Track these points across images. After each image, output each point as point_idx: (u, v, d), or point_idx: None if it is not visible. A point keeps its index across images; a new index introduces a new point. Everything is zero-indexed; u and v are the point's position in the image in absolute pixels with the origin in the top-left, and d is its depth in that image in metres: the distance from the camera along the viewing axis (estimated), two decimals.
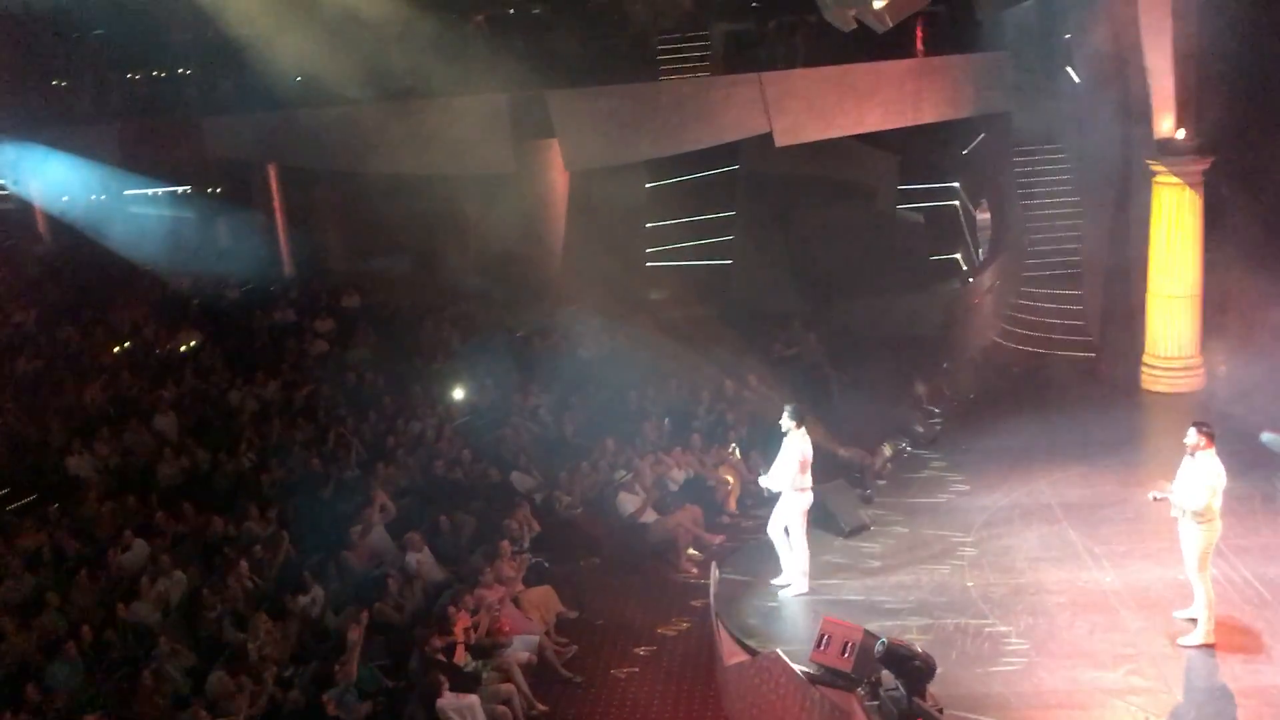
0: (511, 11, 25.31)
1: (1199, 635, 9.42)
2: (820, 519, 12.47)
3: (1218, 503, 9.19)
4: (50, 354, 19.74)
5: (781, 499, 10.95)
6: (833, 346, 19.48)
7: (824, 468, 14.51)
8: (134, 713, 10.51)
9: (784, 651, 9.42)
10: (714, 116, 20.69)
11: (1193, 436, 9.27)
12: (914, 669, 8.37)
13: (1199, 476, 9.17)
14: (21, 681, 10.98)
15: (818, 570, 11.41)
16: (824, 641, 9.05)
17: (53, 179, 23.03)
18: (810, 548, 11.09)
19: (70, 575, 13.01)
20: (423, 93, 21.33)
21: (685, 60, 24.53)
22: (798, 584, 11.02)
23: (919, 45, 23.44)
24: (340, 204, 25.06)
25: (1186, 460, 9.34)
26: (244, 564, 12.91)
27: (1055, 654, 9.50)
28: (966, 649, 9.69)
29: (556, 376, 18.60)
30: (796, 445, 10.82)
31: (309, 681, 10.89)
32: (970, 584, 10.89)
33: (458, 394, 18.06)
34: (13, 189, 26.03)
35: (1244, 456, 9.56)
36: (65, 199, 23.84)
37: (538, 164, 21.84)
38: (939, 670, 8.57)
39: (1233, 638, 9.42)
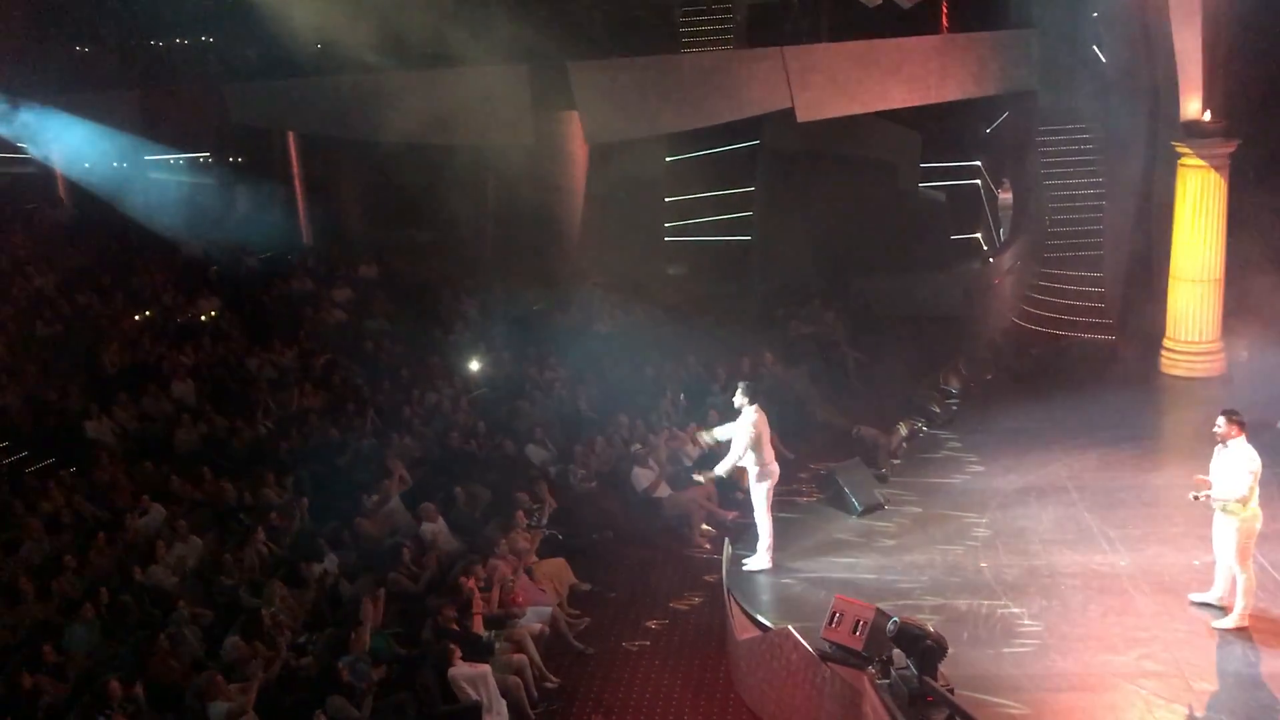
0: None
1: (1233, 619, 9.37)
2: (834, 497, 12.51)
3: (1256, 490, 9.13)
4: (70, 319, 19.82)
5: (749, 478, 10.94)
6: (851, 325, 19.41)
7: (839, 446, 14.64)
8: (150, 675, 10.60)
9: (796, 628, 9.42)
10: (736, 91, 20.57)
11: (1222, 425, 9.19)
12: (925, 649, 8.37)
13: (1238, 464, 9.08)
14: (40, 643, 11.09)
15: (831, 548, 11.43)
16: (836, 619, 9.05)
17: (74, 145, 23.09)
18: (825, 525, 11.07)
19: (88, 539, 13.12)
20: (443, 62, 21.26)
21: (708, 33, 24.39)
22: (761, 559, 11.06)
23: (944, 21, 23.26)
24: (359, 173, 25.06)
25: (1219, 450, 9.27)
26: (260, 531, 13.00)
27: (1068, 637, 9.47)
28: (979, 630, 9.67)
29: (573, 350, 18.60)
30: (750, 423, 10.77)
31: (323, 648, 10.96)
32: (984, 565, 10.87)
33: (474, 366, 18.10)
34: (34, 154, 26.13)
35: (1261, 441, 9.49)
36: (86, 165, 23.89)
37: (558, 136, 21.76)
38: (950, 650, 8.57)
39: (1247, 625, 9.37)
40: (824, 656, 9.05)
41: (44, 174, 26.20)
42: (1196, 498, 9.30)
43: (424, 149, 22.14)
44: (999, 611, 9.95)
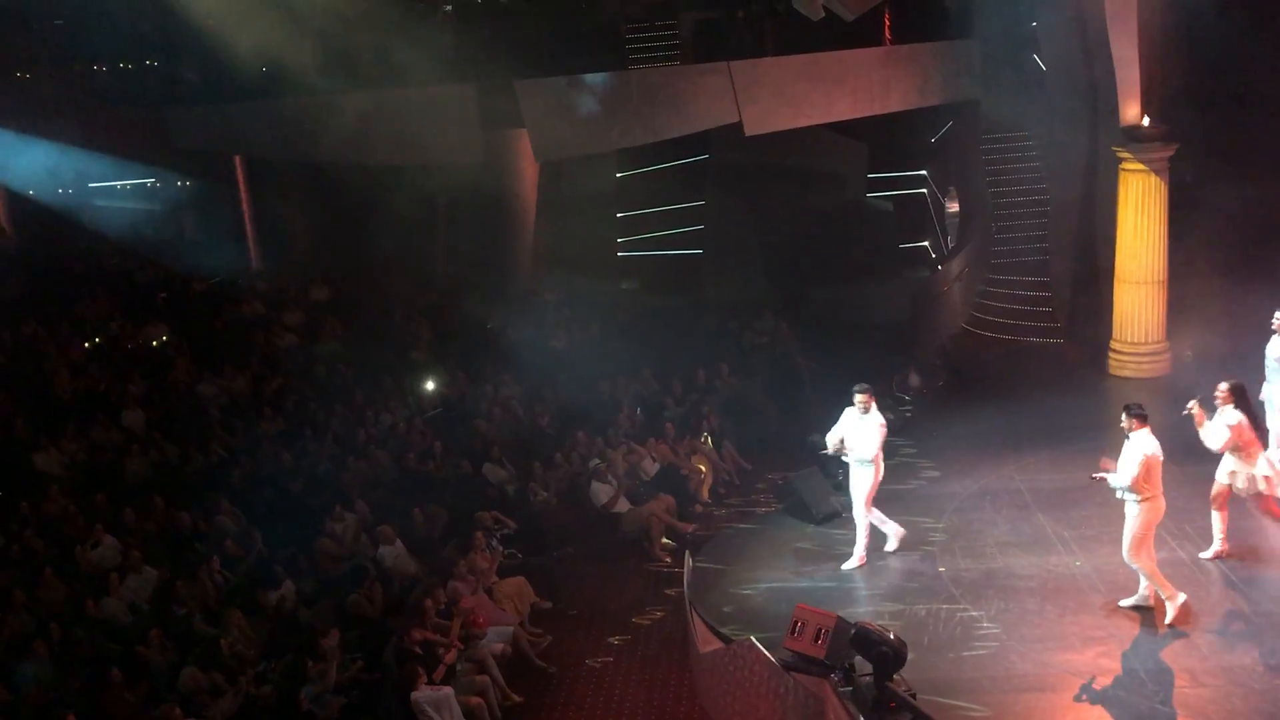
0: (479, 1, 25.18)
1: (1135, 599, 9.78)
2: (793, 506, 12.56)
3: (1159, 480, 9.36)
4: (14, 349, 19.47)
5: (859, 474, 10.96)
6: (804, 335, 19.53)
7: (795, 455, 14.71)
8: (105, 711, 10.41)
9: (758, 639, 9.45)
10: (683, 105, 20.67)
11: (1124, 419, 9.52)
12: (883, 654, 8.43)
13: (1132, 455, 9.37)
14: None
15: (791, 557, 11.49)
16: (797, 628, 9.07)
17: (16, 171, 22.70)
18: (784, 535, 11.13)
19: (38, 573, 12.86)
20: (390, 83, 21.19)
21: (654, 49, 24.52)
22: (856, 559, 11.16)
23: (887, 34, 23.54)
24: (308, 195, 24.86)
25: (1125, 442, 9.54)
26: (215, 559, 12.83)
27: (1026, 638, 9.58)
28: (939, 634, 9.76)
29: (528, 367, 18.56)
30: (880, 424, 10.95)
31: (282, 676, 10.83)
32: (942, 569, 10.96)
33: (429, 386, 17.99)
34: None
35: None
36: (29, 191, 23.51)
37: (507, 153, 21.73)
38: (911, 655, 8.63)
39: (1200, 619, 9.54)
40: (787, 666, 9.08)
41: None
42: (1093, 478, 9.65)
43: (373, 169, 22.03)
44: (958, 615, 10.04)
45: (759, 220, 22.54)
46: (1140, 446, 9.36)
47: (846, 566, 11.16)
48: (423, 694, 10.19)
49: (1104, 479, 9.54)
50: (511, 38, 22.49)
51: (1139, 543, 9.50)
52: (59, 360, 18.83)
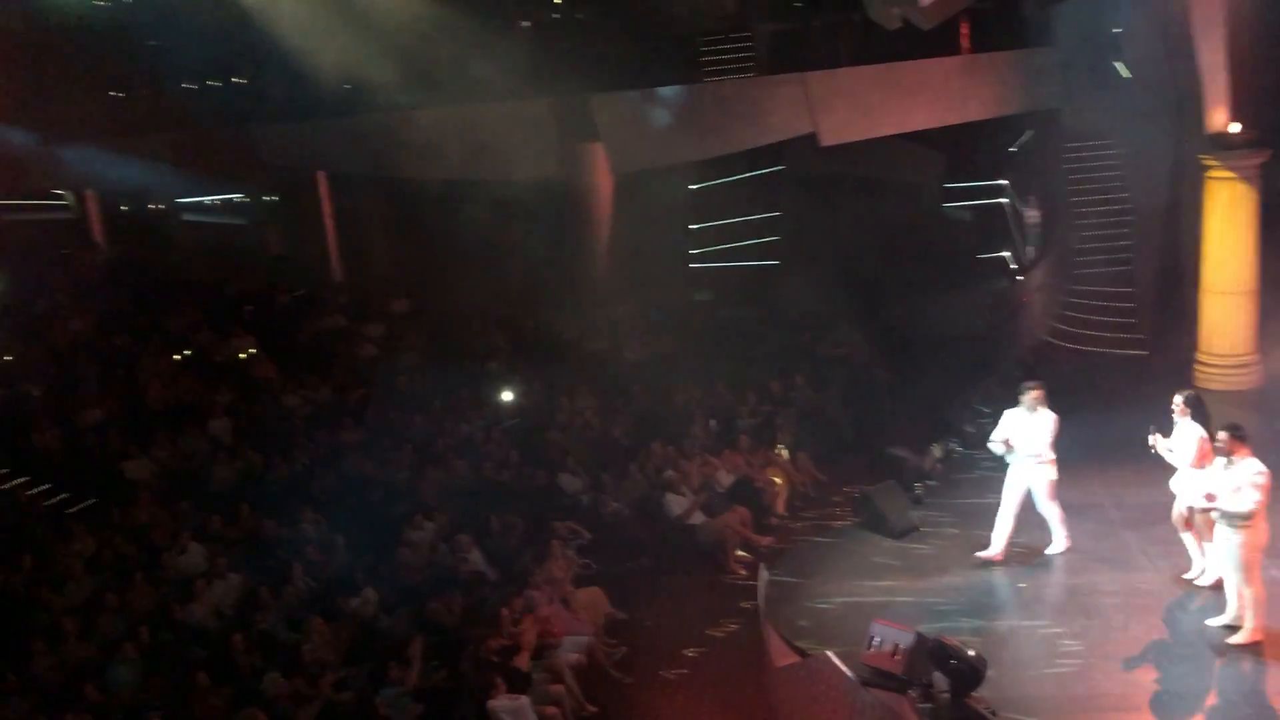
0: (556, 16, 25.43)
1: (1244, 634, 9.28)
2: (870, 520, 12.45)
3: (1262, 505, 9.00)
4: (107, 360, 20.08)
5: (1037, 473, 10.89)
6: (880, 346, 19.37)
7: (872, 468, 14.59)
8: (191, 714, 10.68)
9: (834, 653, 9.37)
10: (758, 117, 20.67)
11: (1224, 440, 9.12)
12: (962, 670, 8.32)
13: (1244, 479, 8.96)
14: (82, 682, 11.20)
15: (868, 571, 11.39)
16: (874, 643, 9.00)
17: (110, 188, 23.47)
18: (860, 549, 11.06)
19: (128, 578, 13.25)
20: (468, 99, 21.49)
21: (729, 61, 24.51)
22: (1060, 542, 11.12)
23: (964, 42, 23.25)
24: (388, 209, 25.30)
25: (1222, 463, 9.18)
26: (298, 566, 13.09)
27: (1110, 656, 9.37)
28: (1020, 651, 9.60)
29: (602, 379, 18.67)
30: (1050, 417, 10.88)
31: (362, 683, 11.01)
32: (1023, 585, 10.79)
33: (505, 396, 18.17)
34: (70, 198, 26.60)
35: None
36: (123, 208, 24.26)
37: (582, 166, 21.91)
38: (991, 673, 8.50)
39: (1261, 638, 9.22)
40: (863, 681, 8.99)
41: (80, 217, 26.64)
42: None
43: (451, 183, 22.34)
44: (1039, 632, 9.87)
45: (835, 231, 22.40)
46: (1251, 473, 8.93)
47: (1050, 551, 11.10)
48: (500, 703, 10.28)
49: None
50: (588, 52, 22.65)
51: (1250, 568, 9.13)
52: (150, 371, 19.38)
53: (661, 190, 23.06)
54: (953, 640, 8.68)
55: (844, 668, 9.16)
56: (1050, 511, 11.05)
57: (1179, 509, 10.16)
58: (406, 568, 13.36)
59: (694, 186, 24.21)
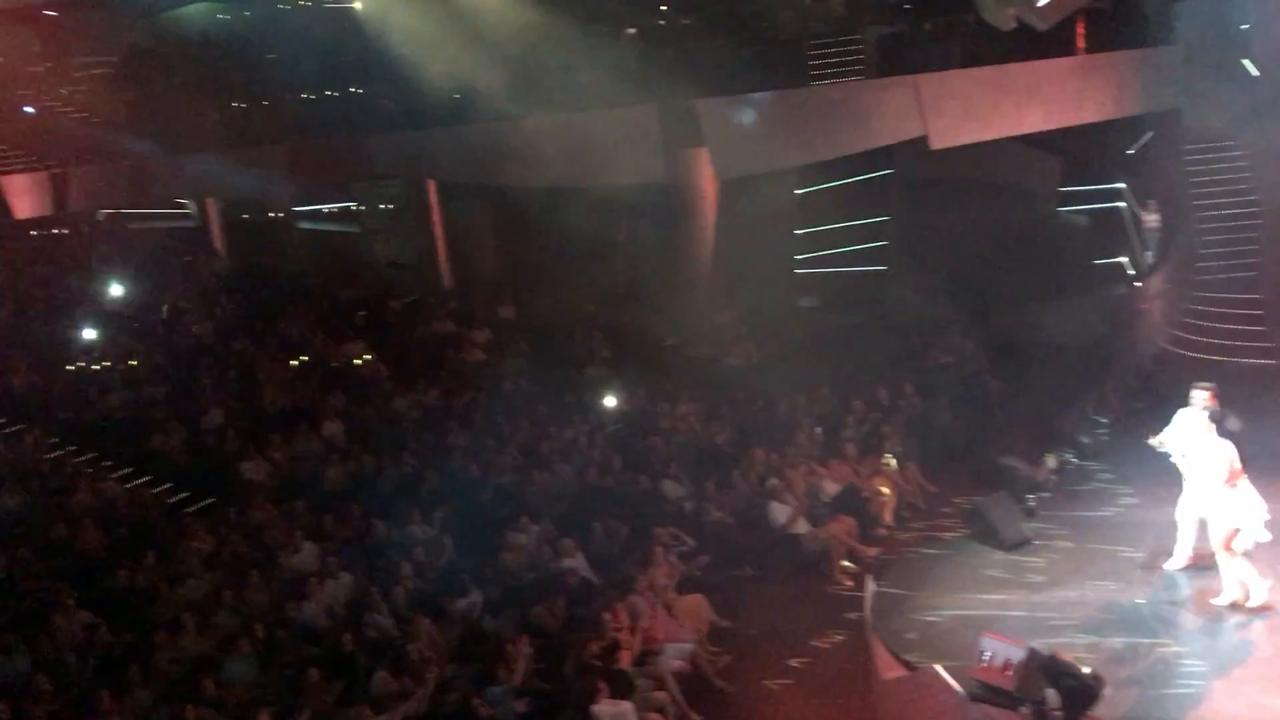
0: (662, 23, 25.49)
1: None
2: (981, 532, 12.18)
3: None
4: (226, 364, 20.74)
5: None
6: (992, 354, 18.95)
7: (983, 478, 14.26)
8: (302, 709, 10.93)
9: (943, 667, 9.18)
10: (867, 120, 20.41)
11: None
12: (1076, 688, 8.07)
13: None
14: (200, 675, 11.57)
15: (978, 584, 11.14)
16: (985, 657, 8.79)
17: (230, 196, 24.29)
18: (970, 561, 10.84)
19: (244, 576, 13.65)
20: (574, 106, 21.68)
21: (837, 65, 24.24)
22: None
23: (1080, 42, 22.62)
24: (495, 216, 25.66)
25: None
26: (406, 566, 13.32)
27: (1235, 677, 9.00)
28: (1138, 669, 9.27)
29: (705, 385, 18.61)
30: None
31: (467, 684, 11.13)
32: (1141, 601, 10.42)
33: (608, 402, 18.25)
34: (194, 206, 27.60)
35: None
36: (243, 215, 25.06)
37: (688, 172, 21.91)
38: (1108, 691, 8.23)
39: None
40: (973, 696, 8.79)
41: (201, 226, 27.60)
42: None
43: (556, 189, 22.55)
44: (1159, 650, 9.53)
45: (945, 236, 21.97)
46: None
47: (1169, 566, 10.77)
48: (603, 708, 10.29)
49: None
50: (694, 58, 22.65)
51: None
52: (266, 375, 19.96)
53: (767, 195, 22.93)
54: (1067, 656, 8.44)
55: (953, 682, 8.97)
56: (1188, 524, 10.61)
57: (1223, 532, 9.90)
58: (510, 571, 13.49)
59: (800, 191, 24.01)
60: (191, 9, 28.04)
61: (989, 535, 12.00)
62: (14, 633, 12.42)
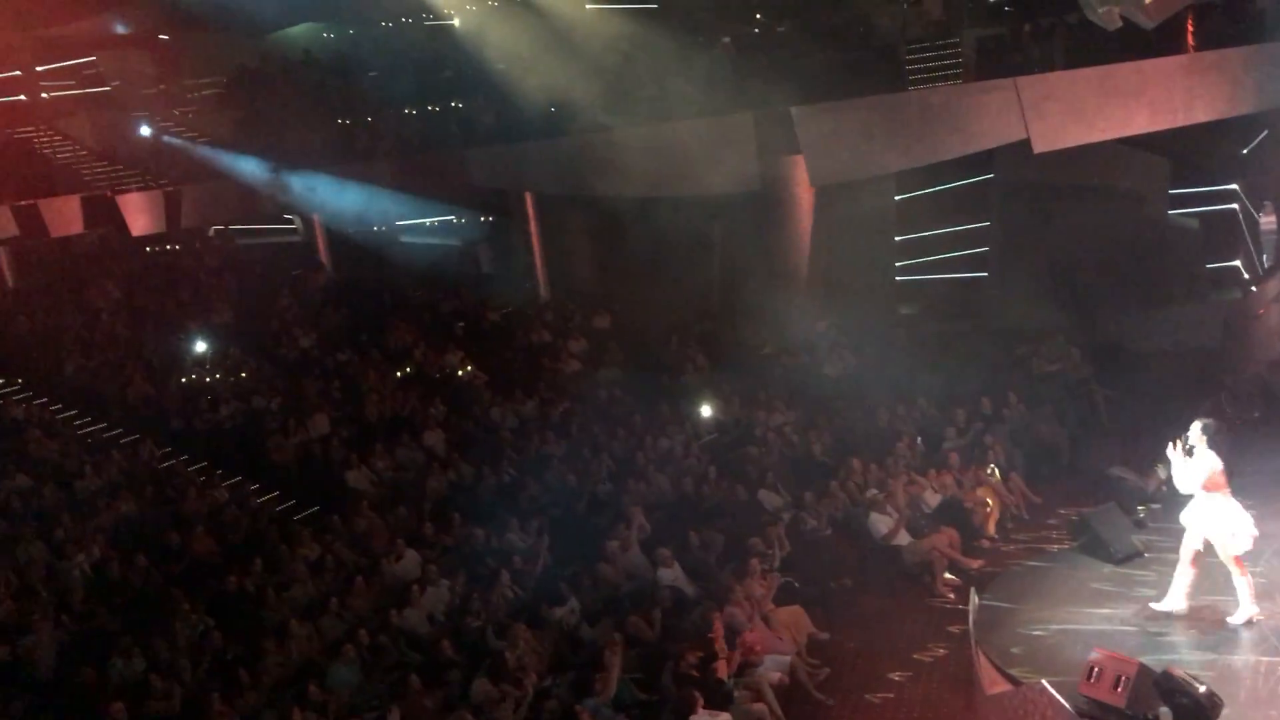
0: (756, 31, 25.44)
1: None
2: (1088, 544, 11.87)
3: None
4: (332, 375, 21.22)
5: None
6: (1098, 361, 18.47)
7: (1091, 490, 13.89)
8: (404, 715, 11.09)
9: (1049, 682, 8.96)
10: (966, 125, 20.07)
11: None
12: (1190, 707, 7.80)
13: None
14: (307, 680, 11.83)
15: (1087, 598, 10.86)
16: (1094, 674, 8.56)
17: (335, 212, 24.89)
18: (1078, 574, 10.58)
19: (349, 583, 13.93)
20: (669, 115, 21.73)
21: (935, 69, 23.92)
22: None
23: (1190, 40, 21.95)
24: (591, 227, 25.83)
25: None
26: (505, 575, 13.46)
27: None
28: (1258, 688, 8.94)
29: (803, 394, 18.47)
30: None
31: (566, 692, 11.19)
32: (1260, 617, 10.03)
33: (704, 411, 18.21)
34: (299, 222, 28.34)
35: None
36: (346, 230, 25.63)
37: (783, 180, 21.78)
38: (1226, 711, 7.94)
39: None
40: (1081, 713, 8.58)
41: (307, 241, 28.31)
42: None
43: (652, 200, 22.62)
44: None
45: (1049, 241, 21.47)
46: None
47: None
48: (701, 718, 10.26)
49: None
50: (789, 66, 22.55)
51: None
52: (370, 385, 20.37)
53: (864, 201, 22.69)
54: (1181, 673, 8.16)
55: (1060, 698, 8.75)
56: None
57: (1193, 545, 10.06)
58: (606, 580, 13.54)
59: (899, 197, 23.71)
60: (296, 29, 28.85)
61: (1097, 548, 11.71)
62: (130, 635, 12.83)
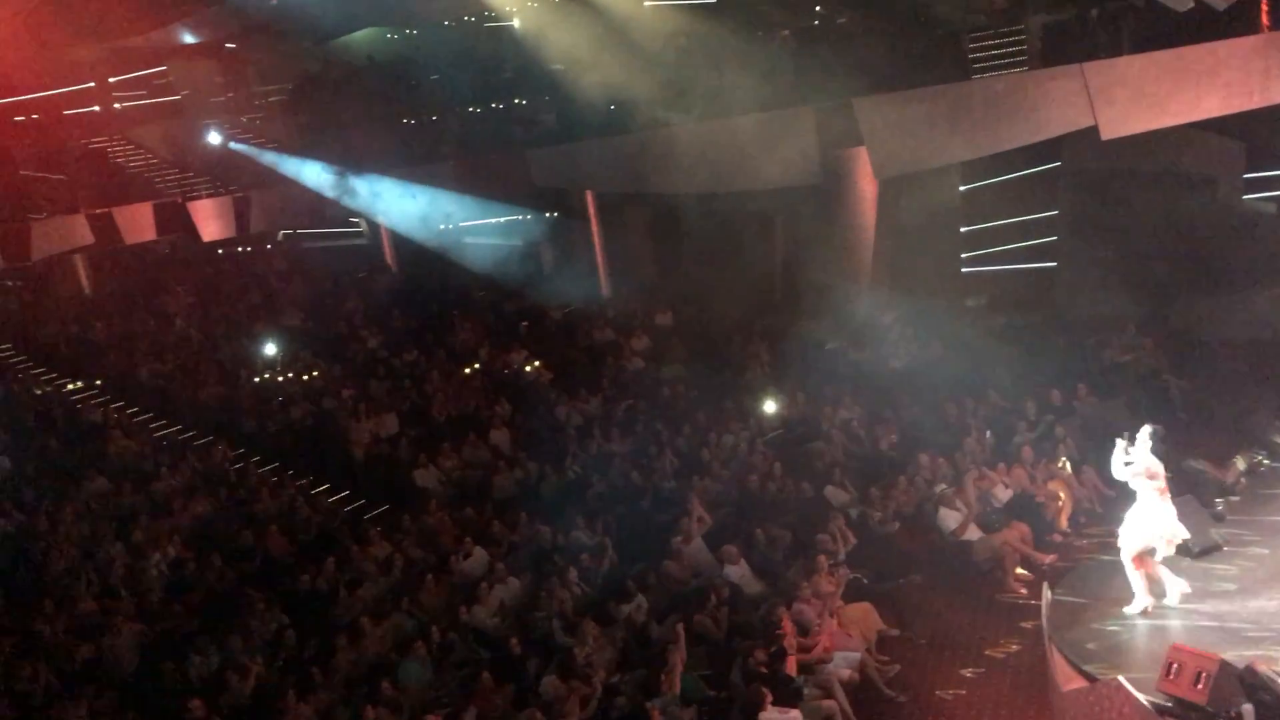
0: (816, 23, 25.24)
1: None
2: None
3: None
4: (399, 375, 21.46)
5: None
6: (1172, 351, 18.06)
7: (1169, 483, 13.57)
8: (475, 711, 11.19)
9: (1127, 679, 8.78)
10: (1032, 112, 19.72)
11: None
12: (1275, 704, 7.60)
13: None
14: (377, 677, 11.97)
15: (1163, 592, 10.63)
16: (1173, 670, 8.37)
17: (400, 215, 25.18)
18: (1157, 569, 10.39)
19: (418, 580, 14.08)
20: (729, 110, 21.66)
21: (999, 57, 23.54)
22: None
23: (1265, 19, 21.36)
24: (652, 224, 25.86)
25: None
26: (572, 572, 13.51)
27: None
28: None
29: (868, 388, 18.30)
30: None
31: (634, 689, 11.21)
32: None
33: (769, 407, 18.13)
34: (365, 225, 28.71)
35: None
36: (412, 232, 25.91)
37: (846, 173, 21.61)
38: None
39: None
40: (1161, 711, 8.40)
41: (374, 243, 28.68)
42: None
43: (712, 195, 22.56)
44: None
45: (1119, 229, 21.04)
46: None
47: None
48: (771, 715, 10.22)
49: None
50: (850, 57, 22.35)
51: None
52: (436, 385, 20.57)
53: (929, 192, 22.44)
54: (1265, 669, 7.95)
55: (1138, 695, 8.58)
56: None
57: (1140, 544, 10.22)
58: (672, 577, 13.53)
59: (964, 187, 23.40)
60: (359, 34, 29.21)
61: None
62: (207, 634, 13.08)
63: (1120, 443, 10.48)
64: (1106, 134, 19.07)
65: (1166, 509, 10.34)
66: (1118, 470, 10.49)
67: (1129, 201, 21.00)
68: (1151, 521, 10.30)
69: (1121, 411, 16.38)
